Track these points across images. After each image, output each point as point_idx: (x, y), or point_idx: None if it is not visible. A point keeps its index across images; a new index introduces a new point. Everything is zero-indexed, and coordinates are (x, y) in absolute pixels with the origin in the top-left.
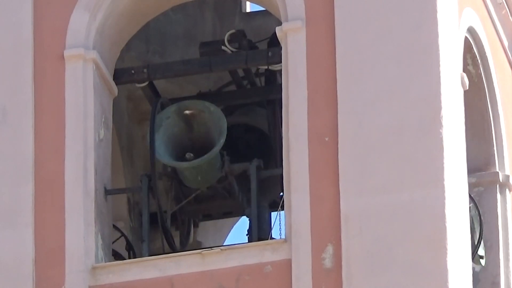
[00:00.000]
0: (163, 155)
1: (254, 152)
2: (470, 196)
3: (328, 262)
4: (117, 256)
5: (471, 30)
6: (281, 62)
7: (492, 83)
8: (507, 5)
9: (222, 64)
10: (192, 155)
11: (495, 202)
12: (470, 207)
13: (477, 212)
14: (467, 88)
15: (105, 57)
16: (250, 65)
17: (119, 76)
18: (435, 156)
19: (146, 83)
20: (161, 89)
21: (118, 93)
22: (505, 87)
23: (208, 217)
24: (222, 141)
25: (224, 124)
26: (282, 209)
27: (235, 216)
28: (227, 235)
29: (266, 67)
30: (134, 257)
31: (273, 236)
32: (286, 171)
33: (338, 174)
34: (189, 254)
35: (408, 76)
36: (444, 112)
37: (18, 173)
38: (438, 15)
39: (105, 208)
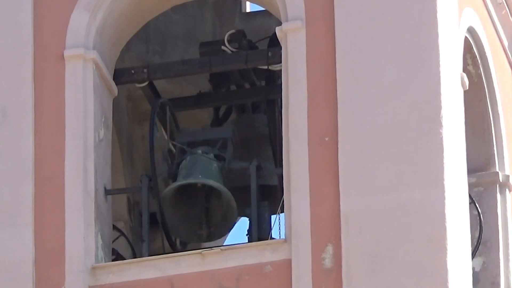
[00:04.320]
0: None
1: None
2: (470, 196)
3: (328, 262)
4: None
5: (471, 30)
6: (281, 62)
7: (492, 83)
8: (507, 5)
9: (222, 64)
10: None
11: (495, 202)
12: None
13: (479, 219)
14: (467, 88)
15: (105, 57)
16: (250, 65)
17: (119, 76)
18: (435, 156)
19: (146, 83)
20: (161, 89)
21: (118, 93)
22: (505, 87)
23: None
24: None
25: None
26: (282, 212)
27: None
28: (227, 235)
29: (266, 67)
30: (134, 257)
31: (273, 236)
32: (286, 171)
33: (338, 174)
34: (189, 254)
35: (408, 76)
36: (444, 112)
37: (18, 173)
38: (438, 15)
39: (105, 208)
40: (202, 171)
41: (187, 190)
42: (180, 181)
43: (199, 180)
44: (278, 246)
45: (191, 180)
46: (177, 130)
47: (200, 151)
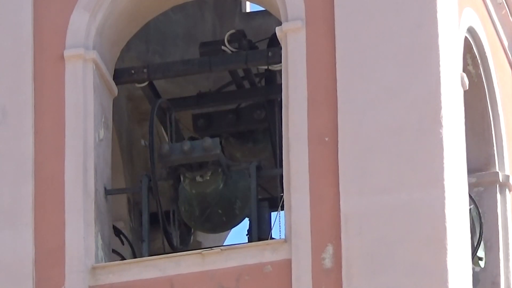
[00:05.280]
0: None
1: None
2: (470, 196)
3: (328, 262)
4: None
5: (471, 30)
6: (281, 62)
7: (492, 83)
8: (507, 5)
9: (222, 64)
10: None
11: (495, 202)
12: (470, 208)
13: (477, 212)
14: (467, 88)
15: (105, 57)
16: (250, 65)
17: (119, 76)
18: (435, 156)
19: (146, 83)
20: (161, 89)
21: (118, 93)
22: (505, 87)
23: None
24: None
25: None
26: (282, 209)
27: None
28: (227, 235)
29: (266, 67)
30: (134, 257)
31: (273, 236)
32: (286, 171)
33: (338, 174)
34: (189, 254)
35: (408, 76)
36: (444, 112)
37: (18, 173)
38: (438, 15)
39: (105, 208)
40: (218, 204)
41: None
42: (206, 229)
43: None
44: (278, 246)
45: (218, 231)
46: (161, 154)
47: (198, 177)
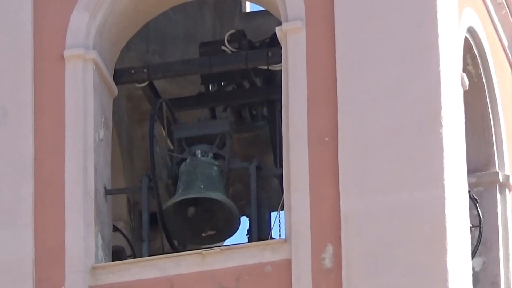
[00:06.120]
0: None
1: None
2: (470, 196)
3: (328, 262)
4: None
5: (471, 30)
6: (281, 62)
7: (492, 83)
8: (507, 5)
9: (222, 64)
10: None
11: (495, 202)
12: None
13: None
14: (467, 88)
15: (105, 57)
16: (250, 65)
17: (119, 76)
18: (435, 156)
19: (146, 83)
20: (161, 89)
21: (118, 93)
22: (505, 87)
23: None
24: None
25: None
26: (282, 209)
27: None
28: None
29: (266, 67)
30: (134, 257)
31: (273, 236)
32: (286, 171)
33: (338, 174)
34: (189, 254)
35: (408, 76)
36: (444, 112)
37: (18, 173)
38: (438, 15)
39: (105, 208)
40: (203, 179)
41: (188, 198)
42: (181, 196)
43: (201, 194)
44: (278, 246)
45: (192, 195)
46: (174, 123)
47: (199, 152)
